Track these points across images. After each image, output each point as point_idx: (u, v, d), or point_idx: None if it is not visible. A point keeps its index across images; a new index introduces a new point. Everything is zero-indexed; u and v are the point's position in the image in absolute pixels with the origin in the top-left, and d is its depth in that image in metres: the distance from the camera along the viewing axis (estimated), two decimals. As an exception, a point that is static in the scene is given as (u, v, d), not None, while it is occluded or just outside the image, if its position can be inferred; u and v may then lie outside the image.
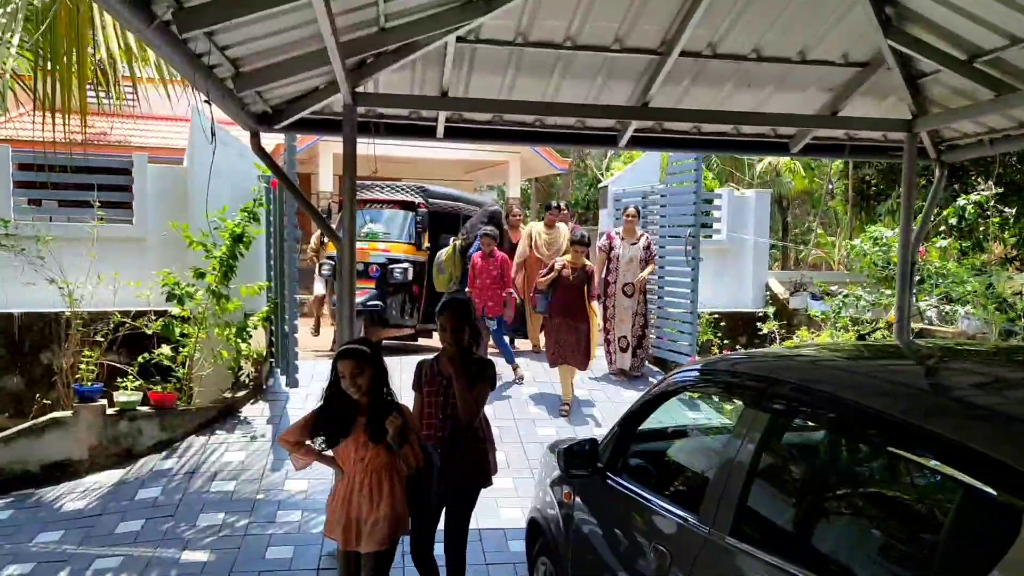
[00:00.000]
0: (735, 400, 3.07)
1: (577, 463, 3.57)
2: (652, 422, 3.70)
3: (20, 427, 6.97)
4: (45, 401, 7.60)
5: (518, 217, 10.96)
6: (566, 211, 10.63)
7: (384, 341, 10.69)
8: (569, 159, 22.30)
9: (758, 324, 10.91)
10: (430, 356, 4.22)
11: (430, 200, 11.28)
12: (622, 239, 9.23)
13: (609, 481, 3.48)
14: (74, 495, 6.59)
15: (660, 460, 3.58)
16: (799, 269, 15.44)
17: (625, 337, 9.26)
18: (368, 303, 9.98)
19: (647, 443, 3.76)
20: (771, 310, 11.08)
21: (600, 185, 15.05)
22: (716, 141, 6.45)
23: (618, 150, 7.24)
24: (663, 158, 12.58)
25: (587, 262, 8.21)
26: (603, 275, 9.25)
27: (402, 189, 11.42)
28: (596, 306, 8.56)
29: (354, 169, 5.05)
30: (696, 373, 3.34)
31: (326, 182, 15.94)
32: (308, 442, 3.70)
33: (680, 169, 9.77)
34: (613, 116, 5.91)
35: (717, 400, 3.84)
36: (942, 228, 10.98)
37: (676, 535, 2.82)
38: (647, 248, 9.21)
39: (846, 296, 10.41)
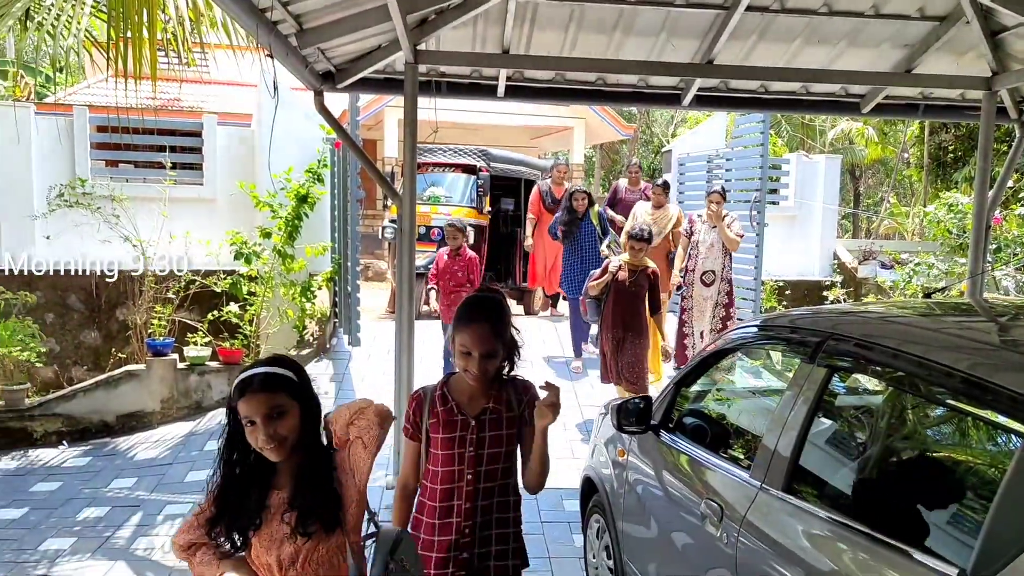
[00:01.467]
0: (793, 356, 3.02)
1: (630, 420, 3.56)
2: (707, 380, 3.67)
3: (97, 379, 7.27)
4: (120, 355, 7.91)
5: (563, 172, 10.20)
6: (640, 170, 10.16)
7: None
8: (634, 125, 22.02)
9: (824, 293, 10.68)
10: (428, 386, 2.68)
11: (492, 164, 11.28)
12: (704, 222, 8.01)
13: (663, 438, 3.47)
14: (147, 444, 6.86)
15: (713, 417, 3.54)
16: (870, 239, 15.01)
17: (703, 332, 8.09)
18: (428, 266, 10.07)
19: (701, 401, 3.73)
20: (838, 279, 10.82)
21: (664, 149, 14.84)
22: (784, 100, 6.29)
23: (681, 109, 7.03)
24: (729, 120, 12.31)
25: (650, 263, 6.48)
26: (683, 262, 8.15)
27: (464, 153, 11.44)
28: (665, 316, 7.13)
29: (415, 128, 5.08)
30: (754, 330, 3.29)
31: (391, 148, 16.06)
32: (206, 544, 2.23)
33: (746, 132, 9.55)
34: (676, 74, 5.80)
35: (774, 357, 3.77)
36: (1022, 195, 10.54)
37: (728, 490, 2.80)
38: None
39: (917, 265, 10.10)
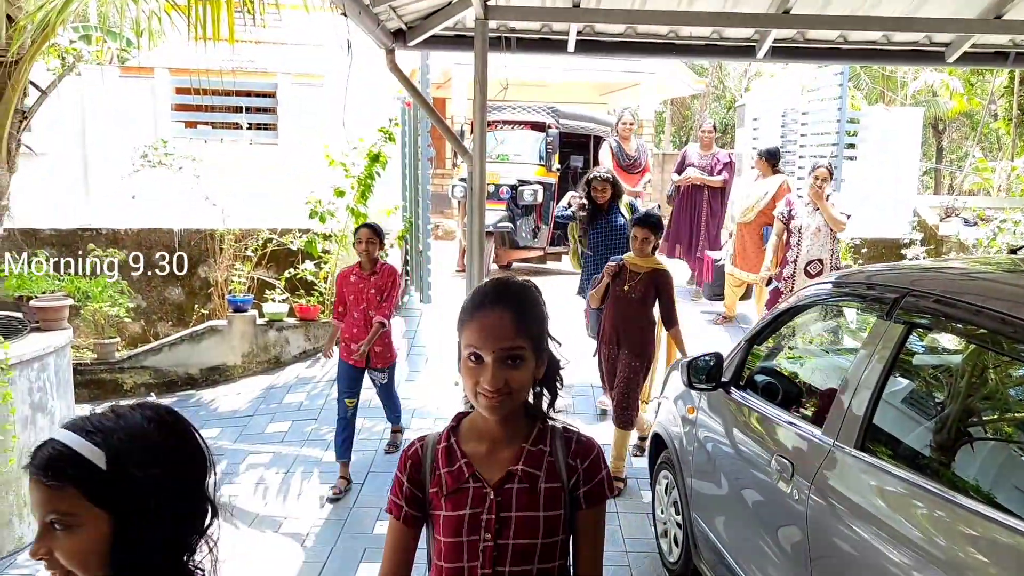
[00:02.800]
0: (868, 313, 2.97)
1: (701, 378, 3.56)
2: (779, 337, 3.64)
3: (182, 334, 7.57)
4: (203, 311, 8.21)
5: (628, 126, 9.46)
6: (712, 132, 9.28)
7: (514, 263, 10.88)
8: (706, 79, 21.53)
9: (903, 251, 10.37)
10: (430, 434, 1.78)
11: (561, 121, 11.20)
12: (805, 204, 6.96)
13: (733, 395, 3.47)
14: (229, 396, 7.14)
15: (785, 375, 3.52)
16: (953, 196, 14.46)
17: None
18: (498, 224, 10.12)
19: (773, 359, 3.70)
20: (918, 237, 10.48)
21: (737, 104, 14.49)
22: (863, 51, 6.07)
23: (756, 62, 6.81)
24: (806, 73, 11.94)
25: (660, 262, 5.22)
26: (782, 251, 7.20)
27: (533, 110, 11.39)
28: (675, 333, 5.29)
29: (485, 85, 5.08)
30: (829, 286, 3.24)
31: (460, 106, 16.06)
32: None
33: (823, 85, 9.26)
34: (751, 24, 5.64)
35: (849, 314, 3.71)
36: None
37: (800, 448, 2.80)
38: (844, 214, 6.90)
39: (1003, 221, 9.71)
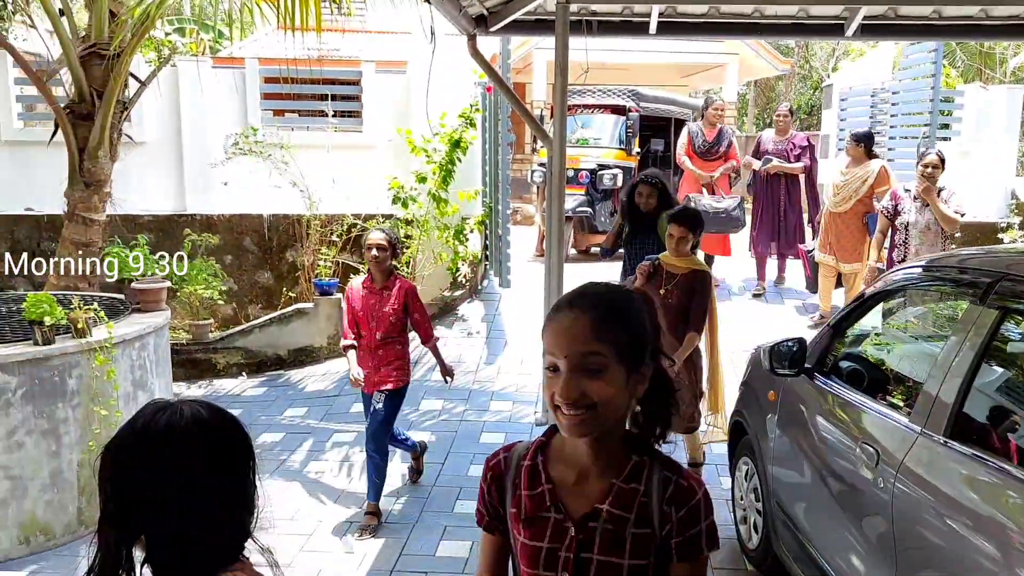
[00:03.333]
0: (960, 299, 2.89)
1: (783, 363, 3.52)
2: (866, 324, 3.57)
3: (271, 316, 7.84)
4: (290, 294, 8.48)
5: (720, 112, 8.93)
6: (788, 116, 8.83)
7: (591, 248, 10.86)
8: (791, 59, 20.96)
9: (999, 235, 9.93)
10: (519, 444, 1.63)
11: (642, 104, 11.10)
12: (914, 198, 6.26)
13: (817, 381, 3.41)
14: (315, 377, 7.36)
15: (871, 361, 3.45)
16: (1057, 176, 13.75)
17: None
18: (577, 209, 10.11)
19: (859, 345, 3.63)
20: (1015, 220, 10.02)
21: (824, 84, 14.08)
22: (959, 27, 5.83)
23: (844, 40, 6.61)
24: (897, 51, 11.52)
25: (700, 262, 4.74)
26: (887, 250, 6.59)
27: (613, 93, 11.31)
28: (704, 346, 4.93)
29: (566, 69, 5.09)
30: (919, 270, 3.16)
31: (539, 91, 16.06)
32: None
33: (915, 62, 8.93)
34: (840, 1, 5.49)
35: (939, 299, 3.61)
36: None
37: (885, 435, 2.75)
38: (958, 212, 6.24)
39: (1113, 204, 9.20)
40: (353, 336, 4.65)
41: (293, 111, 9.60)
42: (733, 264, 9.47)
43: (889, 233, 6.46)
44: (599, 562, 1.45)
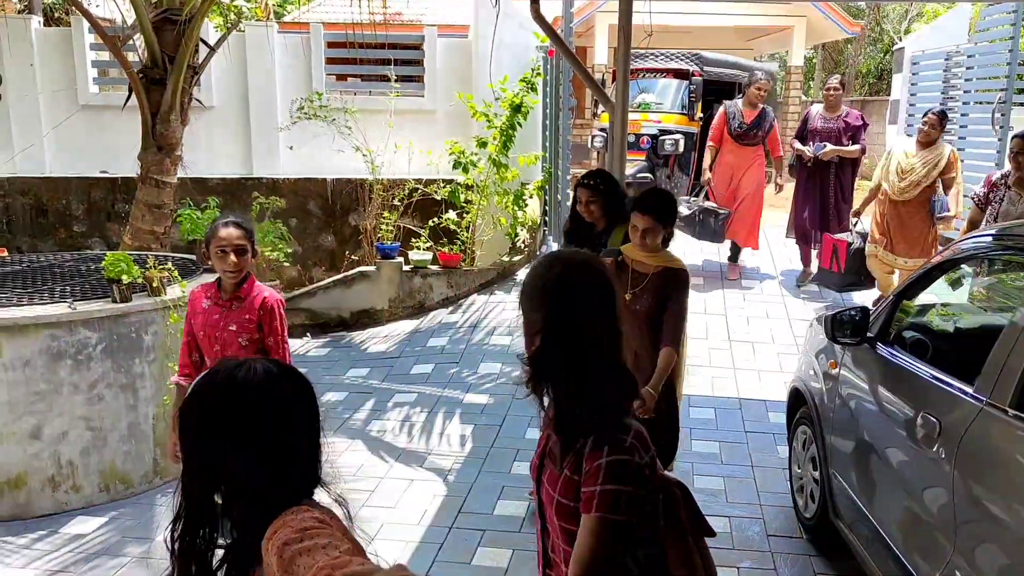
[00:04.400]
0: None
1: (845, 332, 3.49)
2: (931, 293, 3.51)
3: (335, 278, 8.01)
4: (353, 257, 8.64)
5: (762, 91, 7.96)
6: (839, 90, 7.80)
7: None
8: (861, 22, 20.27)
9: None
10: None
11: (705, 68, 10.92)
12: (1008, 187, 5.43)
13: (879, 351, 3.38)
14: (377, 339, 7.52)
15: (936, 331, 3.40)
16: None
17: None
18: (637, 175, 10.04)
19: (924, 315, 3.58)
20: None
21: (895, 47, 13.61)
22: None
23: (919, 0, 6.35)
24: (975, 12, 11.07)
25: (674, 258, 3.63)
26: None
27: (676, 57, 11.14)
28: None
29: (629, 32, 5.04)
30: (988, 239, 3.09)
31: (601, 55, 15.88)
32: None
33: (993, 24, 8.56)
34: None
35: (1010, 268, 3.52)
36: None
37: (948, 405, 2.72)
38: None
39: None
40: (190, 369, 3.47)
41: (356, 76, 9.70)
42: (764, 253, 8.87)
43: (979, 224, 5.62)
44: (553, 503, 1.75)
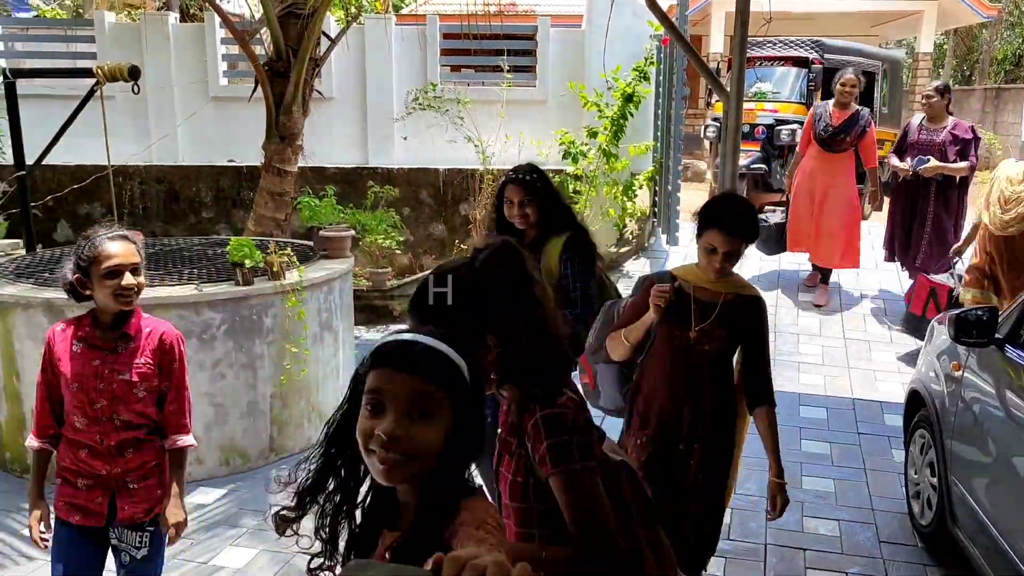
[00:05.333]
0: None
1: (970, 332, 3.33)
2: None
3: (443, 266, 8.15)
4: (462, 246, 8.77)
5: (849, 89, 6.83)
6: (938, 97, 6.71)
7: (765, 207, 10.51)
8: (998, 4, 19.07)
9: None
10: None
11: (826, 55, 10.51)
12: None
13: (1008, 353, 3.21)
14: (484, 326, 7.64)
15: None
16: None
17: None
18: (751, 166, 9.79)
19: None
20: None
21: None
22: None
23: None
24: None
25: (749, 285, 2.96)
26: None
27: (795, 44, 10.77)
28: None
29: (746, 19, 4.91)
30: None
31: (717, 43, 15.55)
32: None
33: None
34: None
35: None
36: None
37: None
38: None
39: None
40: (49, 431, 2.68)
41: (469, 67, 9.82)
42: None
43: None
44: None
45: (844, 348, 6.49)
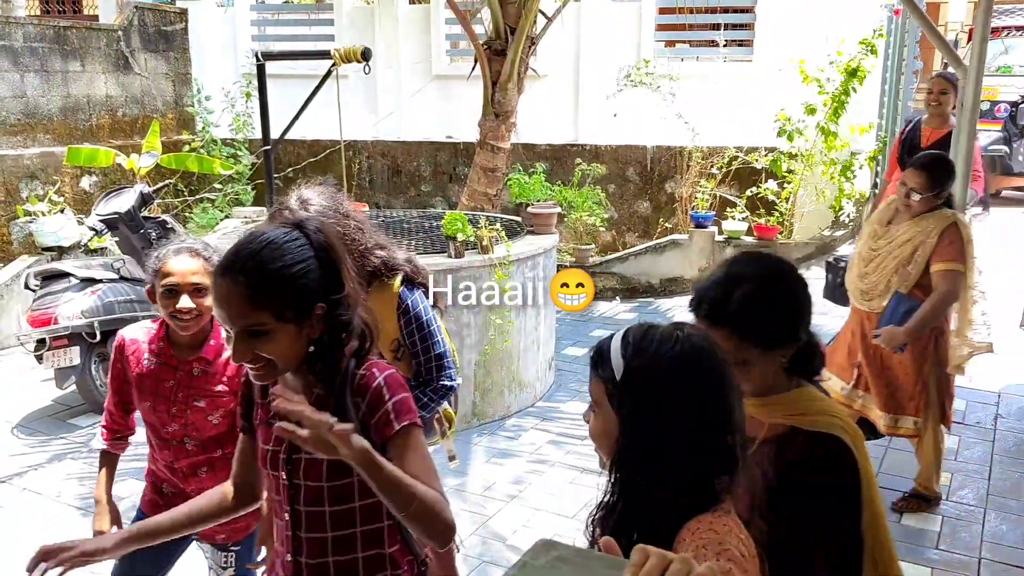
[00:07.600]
0: None
1: None
2: None
3: (647, 245, 8.17)
4: (666, 224, 8.73)
5: (940, 95, 5.18)
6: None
7: (1004, 192, 9.57)
8: None
9: None
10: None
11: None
12: None
13: None
14: (682, 307, 7.41)
15: None
16: None
17: None
18: (990, 147, 8.96)
19: None
20: None
21: None
22: None
23: None
24: None
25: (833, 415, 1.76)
26: None
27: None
28: None
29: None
30: None
31: (956, 12, 14.25)
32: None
33: None
34: None
35: None
36: None
37: None
38: None
39: None
40: (119, 432, 2.53)
41: (684, 42, 9.67)
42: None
43: None
44: (306, 459, 1.67)
45: None
